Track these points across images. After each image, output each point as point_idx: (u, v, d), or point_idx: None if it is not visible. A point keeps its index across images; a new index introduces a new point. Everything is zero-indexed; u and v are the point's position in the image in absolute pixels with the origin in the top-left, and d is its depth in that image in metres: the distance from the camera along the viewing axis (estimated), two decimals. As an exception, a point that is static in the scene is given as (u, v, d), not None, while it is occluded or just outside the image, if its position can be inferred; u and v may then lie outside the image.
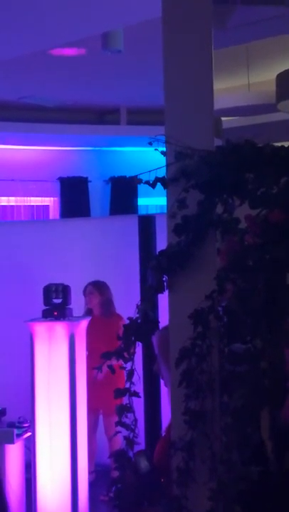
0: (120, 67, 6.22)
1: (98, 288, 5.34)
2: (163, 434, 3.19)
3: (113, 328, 5.17)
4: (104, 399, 4.81)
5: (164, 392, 3.24)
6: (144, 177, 2.62)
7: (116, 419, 2.62)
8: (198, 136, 2.63)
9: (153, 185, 2.60)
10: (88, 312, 5.22)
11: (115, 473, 2.73)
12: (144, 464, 2.69)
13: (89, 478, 5.02)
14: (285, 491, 2.52)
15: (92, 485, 5.13)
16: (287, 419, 2.41)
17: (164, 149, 2.64)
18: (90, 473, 5.08)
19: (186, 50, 2.75)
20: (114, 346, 2.53)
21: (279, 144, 2.58)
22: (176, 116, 2.71)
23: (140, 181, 2.63)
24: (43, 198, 8.71)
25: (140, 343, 2.67)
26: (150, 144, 2.54)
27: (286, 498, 2.50)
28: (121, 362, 2.65)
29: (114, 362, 2.63)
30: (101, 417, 5.29)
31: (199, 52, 2.73)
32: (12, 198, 8.52)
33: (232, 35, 4.47)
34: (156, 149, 2.56)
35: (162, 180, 2.62)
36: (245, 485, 2.38)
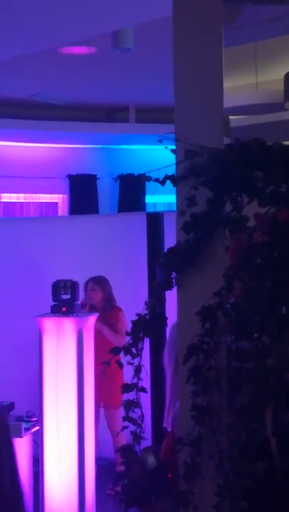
0: (130, 65, 6.23)
1: (100, 284, 5.35)
2: (164, 424, 3.21)
3: (113, 321, 5.22)
4: (105, 392, 4.83)
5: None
6: (154, 175, 2.64)
7: (117, 412, 2.65)
8: (208, 134, 2.65)
9: (162, 182, 2.63)
10: (91, 308, 5.24)
11: (120, 468, 2.75)
12: (151, 460, 2.72)
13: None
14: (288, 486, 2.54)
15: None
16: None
17: (174, 147, 2.66)
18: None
19: (196, 48, 2.77)
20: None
21: (288, 143, 2.60)
22: (186, 115, 2.73)
23: (150, 179, 2.65)
24: (52, 195, 8.73)
25: (148, 339, 2.70)
26: (160, 141, 2.56)
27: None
28: (128, 356, 2.67)
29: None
30: (102, 410, 5.31)
31: (209, 51, 2.75)
32: (21, 195, 8.55)
33: (240, 33, 4.48)
34: (166, 147, 2.58)
35: (172, 178, 2.64)
36: (251, 481, 2.40)
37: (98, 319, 5.05)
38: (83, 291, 5.31)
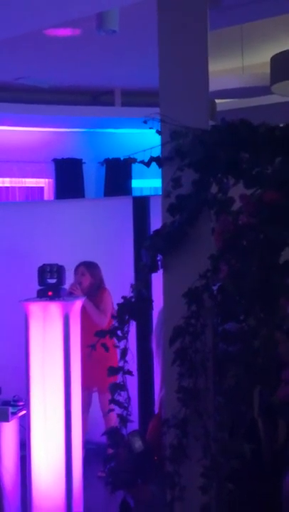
0: (115, 48, 6.17)
1: (90, 269, 5.35)
2: (156, 409, 3.22)
3: (97, 301, 5.23)
4: (99, 376, 4.84)
5: (158, 370, 3.26)
6: (139, 157, 2.62)
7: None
8: (194, 115, 2.63)
9: (148, 164, 2.61)
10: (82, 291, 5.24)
11: (110, 451, 2.76)
12: (138, 443, 2.72)
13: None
14: (275, 468, 2.55)
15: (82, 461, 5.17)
16: (283, 398, 2.43)
17: (159, 128, 2.64)
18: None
19: (181, 30, 2.74)
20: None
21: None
22: (171, 96, 2.71)
23: (135, 160, 2.63)
24: (38, 180, 8.68)
25: (134, 322, 2.69)
26: (145, 122, 2.54)
27: (277, 476, 2.53)
28: (115, 340, 2.67)
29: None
30: (96, 394, 5.32)
31: (194, 33, 2.73)
32: (7, 179, 8.49)
33: (226, 15, 4.44)
34: (151, 128, 2.55)
35: (157, 160, 2.63)
36: (237, 462, 2.41)
37: (86, 299, 5.06)
38: (73, 275, 5.31)
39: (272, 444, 2.60)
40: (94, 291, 5.30)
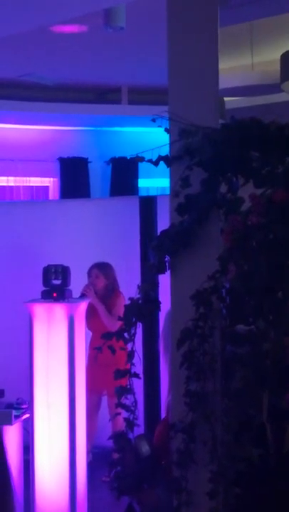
0: (122, 44, 6.13)
1: (103, 271, 5.29)
2: (162, 414, 3.18)
3: (110, 305, 5.18)
4: (108, 380, 4.80)
5: (164, 373, 3.22)
6: (146, 155, 2.57)
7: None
8: (203, 113, 2.58)
9: (156, 163, 2.56)
10: (95, 294, 5.20)
11: (116, 455, 2.71)
12: (144, 448, 2.68)
13: (86, 458, 5.03)
14: (283, 473, 2.51)
15: (88, 465, 5.14)
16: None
17: (168, 127, 2.59)
18: (86, 453, 5.08)
19: (191, 27, 2.69)
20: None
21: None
22: (180, 94, 2.66)
23: (143, 159, 2.58)
24: (43, 179, 8.65)
25: (141, 324, 2.64)
26: (154, 120, 2.49)
27: (285, 481, 2.49)
28: (121, 342, 2.62)
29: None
30: (105, 398, 5.27)
31: (204, 29, 2.68)
32: (11, 178, 8.46)
33: (235, 13, 4.41)
34: (159, 126, 2.50)
35: (166, 158, 2.57)
36: (245, 467, 2.37)
37: (98, 302, 5.02)
38: (87, 277, 5.25)
39: (281, 448, 2.56)
40: (109, 293, 5.25)
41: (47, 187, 8.74)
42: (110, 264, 5.31)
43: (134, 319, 2.59)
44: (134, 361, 2.63)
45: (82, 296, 4.97)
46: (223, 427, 2.48)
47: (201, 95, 2.63)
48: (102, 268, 5.28)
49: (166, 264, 2.60)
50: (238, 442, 2.40)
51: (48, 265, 4.25)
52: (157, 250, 2.58)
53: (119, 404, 2.62)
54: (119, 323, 5.13)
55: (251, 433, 2.41)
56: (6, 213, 6.07)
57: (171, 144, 2.59)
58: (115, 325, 5.11)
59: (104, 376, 4.68)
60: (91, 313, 4.99)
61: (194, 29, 2.68)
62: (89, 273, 5.26)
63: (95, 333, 5.02)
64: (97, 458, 4.93)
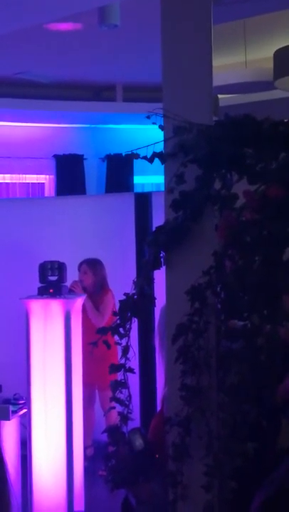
0: (117, 42, 6.14)
1: (92, 267, 5.32)
2: (158, 407, 3.20)
3: (98, 301, 5.21)
4: (99, 374, 4.83)
5: (159, 368, 3.24)
6: (141, 152, 2.59)
7: (111, 393, 2.62)
8: (197, 110, 2.60)
9: (151, 160, 2.57)
10: (84, 290, 5.23)
11: (111, 449, 2.73)
12: (138, 442, 2.69)
13: (87, 452, 5.05)
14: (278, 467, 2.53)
15: (90, 459, 5.16)
16: (282, 397, 2.40)
17: (162, 124, 2.61)
18: (87, 447, 5.11)
19: (185, 24, 2.70)
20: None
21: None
22: (175, 91, 2.68)
23: (137, 156, 2.60)
24: (39, 176, 8.65)
25: (136, 319, 2.66)
26: (148, 117, 2.50)
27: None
28: (116, 337, 2.64)
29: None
30: (97, 391, 5.31)
31: (198, 26, 2.69)
32: (7, 176, 8.46)
33: (229, 10, 4.42)
34: (154, 123, 2.52)
35: (160, 155, 2.59)
36: (241, 461, 2.39)
37: (86, 298, 5.04)
38: (77, 272, 5.28)
39: (276, 442, 2.58)
40: (97, 290, 5.27)
41: (43, 184, 8.75)
42: (100, 260, 5.34)
43: (129, 314, 2.61)
44: (129, 356, 2.64)
45: (70, 291, 5.01)
46: (219, 421, 2.50)
47: (195, 92, 2.65)
48: (91, 264, 5.30)
49: (162, 259, 2.62)
50: (233, 436, 2.42)
51: (45, 261, 4.27)
52: (152, 246, 2.59)
53: (114, 398, 2.63)
54: (106, 319, 5.18)
55: (247, 427, 2.43)
56: (2, 210, 6.08)
57: (166, 140, 2.61)
58: (102, 321, 5.14)
59: (96, 370, 4.72)
60: (84, 311, 5.03)
61: (188, 26, 2.69)
62: (78, 268, 5.29)
63: (83, 328, 5.05)
64: (99, 451, 4.96)
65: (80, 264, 5.32)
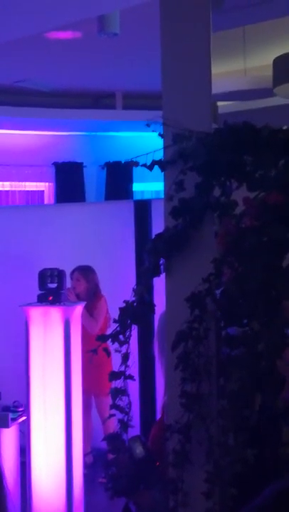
0: (116, 50, 6.16)
1: (84, 274, 5.33)
2: (158, 414, 3.19)
3: (92, 308, 5.22)
4: (95, 380, 4.84)
5: (159, 375, 3.24)
6: (141, 160, 2.60)
7: (107, 400, 2.62)
8: (196, 118, 2.61)
9: (150, 167, 2.58)
10: (77, 297, 5.24)
11: (111, 456, 2.73)
12: (138, 449, 2.69)
13: (86, 460, 5.04)
14: (279, 473, 2.53)
15: (89, 467, 5.15)
16: (285, 402, 2.40)
17: (162, 132, 2.62)
18: (86, 454, 5.09)
19: (184, 32, 2.72)
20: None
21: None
22: (174, 99, 2.69)
23: (137, 164, 2.61)
24: (38, 183, 8.67)
25: (136, 326, 2.66)
26: (148, 125, 2.51)
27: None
28: (115, 344, 2.64)
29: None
30: (93, 397, 5.31)
31: (197, 34, 2.70)
32: (7, 183, 8.48)
33: (228, 18, 4.44)
34: (153, 131, 2.53)
35: (160, 163, 2.60)
36: (241, 468, 2.39)
37: (87, 309, 5.04)
38: (70, 280, 5.29)
39: (276, 448, 2.58)
40: (90, 296, 5.28)
41: (42, 191, 8.76)
42: (92, 267, 5.35)
43: (129, 321, 2.61)
44: (128, 363, 2.64)
45: (77, 295, 5.02)
46: (219, 428, 2.50)
47: (194, 100, 2.66)
48: (84, 271, 5.32)
49: (161, 267, 2.62)
50: (233, 443, 2.42)
51: (44, 269, 4.27)
52: (152, 253, 2.60)
53: (114, 406, 2.63)
54: (99, 326, 5.18)
55: (247, 434, 2.43)
56: (2, 218, 6.09)
57: (165, 148, 2.62)
58: (95, 328, 5.15)
59: (92, 376, 4.72)
60: None
61: (187, 34, 2.71)
62: (71, 276, 5.29)
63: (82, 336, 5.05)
64: (98, 458, 4.95)
65: (72, 272, 5.32)
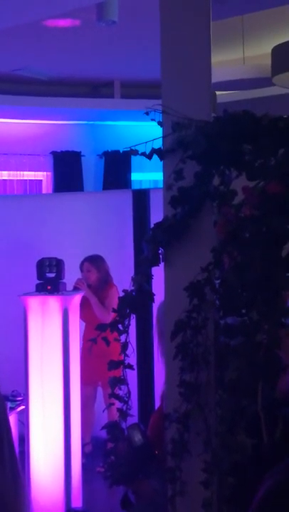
0: (115, 38, 6.13)
1: (95, 264, 5.32)
2: (157, 403, 3.20)
3: (103, 297, 5.21)
4: (102, 371, 4.84)
5: (158, 364, 3.24)
6: (140, 149, 2.58)
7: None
8: (196, 106, 2.59)
9: (149, 156, 2.57)
10: (89, 287, 5.23)
11: (110, 445, 2.74)
12: (137, 437, 2.69)
13: (85, 449, 5.05)
14: (277, 462, 2.53)
15: (88, 456, 5.17)
16: (282, 392, 2.41)
17: (161, 120, 2.61)
18: (86, 444, 5.11)
19: (183, 20, 2.70)
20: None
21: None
22: (173, 87, 2.67)
23: (136, 152, 2.59)
24: (36, 173, 8.65)
25: (134, 316, 2.66)
26: (146, 114, 2.50)
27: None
28: (116, 333, 2.64)
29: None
30: (100, 389, 5.30)
31: (197, 23, 2.68)
32: (5, 172, 8.46)
33: (228, 6, 4.41)
34: (152, 119, 2.52)
35: (159, 152, 2.59)
36: (239, 457, 2.39)
37: (91, 294, 5.03)
38: (80, 272, 5.28)
39: (273, 437, 2.58)
40: (102, 285, 5.27)
41: (40, 181, 8.74)
42: (101, 256, 5.34)
43: (127, 311, 2.61)
44: (128, 352, 2.65)
45: (75, 289, 5.00)
46: (217, 417, 2.50)
47: (193, 88, 2.64)
48: (94, 261, 5.30)
49: (160, 256, 2.61)
50: (231, 432, 2.42)
51: (42, 258, 4.27)
52: (151, 243, 2.59)
53: (113, 395, 2.64)
54: (112, 314, 5.19)
55: (245, 423, 2.44)
56: (0, 207, 6.08)
57: (164, 137, 2.61)
58: (108, 316, 5.14)
59: (98, 367, 4.72)
60: (84, 305, 5.03)
61: (187, 23, 2.69)
62: (81, 267, 5.28)
63: (88, 324, 5.06)
64: (97, 448, 4.97)
65: (82, 263, 5.31)
